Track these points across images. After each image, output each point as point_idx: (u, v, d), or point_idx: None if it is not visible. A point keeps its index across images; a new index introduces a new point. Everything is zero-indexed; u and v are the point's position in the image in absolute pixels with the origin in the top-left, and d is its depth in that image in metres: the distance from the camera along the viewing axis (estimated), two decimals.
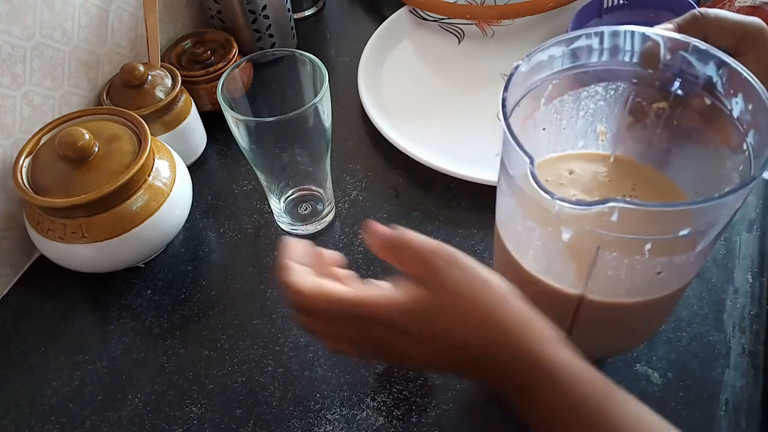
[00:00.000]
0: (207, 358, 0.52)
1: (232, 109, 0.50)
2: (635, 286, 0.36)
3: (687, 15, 0.41)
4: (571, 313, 0.39)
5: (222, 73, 0.51)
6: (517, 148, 0.33)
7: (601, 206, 0.30)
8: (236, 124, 0.50)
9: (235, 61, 0.68)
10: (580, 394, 0.31)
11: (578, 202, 0.31)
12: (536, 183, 0.31)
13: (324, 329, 0.37)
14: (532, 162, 0.32)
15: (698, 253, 0.36)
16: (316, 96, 0.49)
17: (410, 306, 0.33)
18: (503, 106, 0.35)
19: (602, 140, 0.45)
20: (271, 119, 0.48)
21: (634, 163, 0.44)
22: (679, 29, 0.41)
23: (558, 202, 0.31)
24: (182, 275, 0.58)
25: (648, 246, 0.33)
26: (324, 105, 0.51)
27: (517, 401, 0.33)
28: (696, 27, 0.41)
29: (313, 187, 0.59)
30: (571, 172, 0.44)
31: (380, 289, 0.34)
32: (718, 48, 0.37)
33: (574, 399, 0.31)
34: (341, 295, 0.34)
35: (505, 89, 0.36)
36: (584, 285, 0.37)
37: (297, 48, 0.79)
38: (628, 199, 0.30)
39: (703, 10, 0.41)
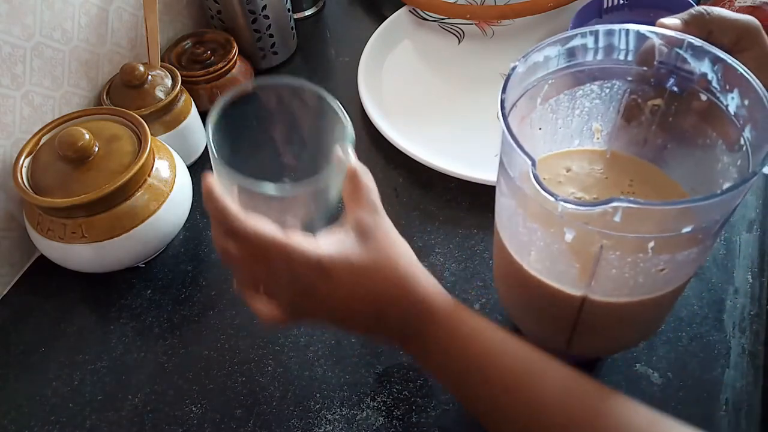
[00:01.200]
0: (207, 358, 0.52)
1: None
2: (638, 285, 0.36)
3: (692, 11, 0.41)
4: (573, 315, 0.39)
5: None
6: (518, 151, 0.33)
7: (604, 206, 0.30)
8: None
9: (235, 60, 0.68)
10: (458, 331, 0.36)
11: (582, 203, 0.31)
12: (539, 185, 0.31)
13: (239, 260, 0.37)
14: (533, 164, 0.32)
15: (700, 249, 0.36)
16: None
17: (315, 262, 0.35)
18: (502, 107, 0.35)
19: (597, 138, 0.45)
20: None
21: (630, 159, 0.44)
22: (685, 24, 0.41)
23: (561, 203, 0.31)
24: (182, 275, 0.58)
25: (651, 244, 0.33)
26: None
27: (415, 351, 0.38)
28: (701, 23, 0.41)
29: None
30: (568, 170, 0.44)
31: (305, 239, 0.36)
32: (720, 45, 0.37)
33: (455, 337, 0.36)
34: (270, 230, 0.35)
35: (503, 90, 0.36)
36: (587, 285, 0.37)
37: (297, 48, 0.79)
38: (631, 198, 0.30)
39: (707, 7, 0.41)
